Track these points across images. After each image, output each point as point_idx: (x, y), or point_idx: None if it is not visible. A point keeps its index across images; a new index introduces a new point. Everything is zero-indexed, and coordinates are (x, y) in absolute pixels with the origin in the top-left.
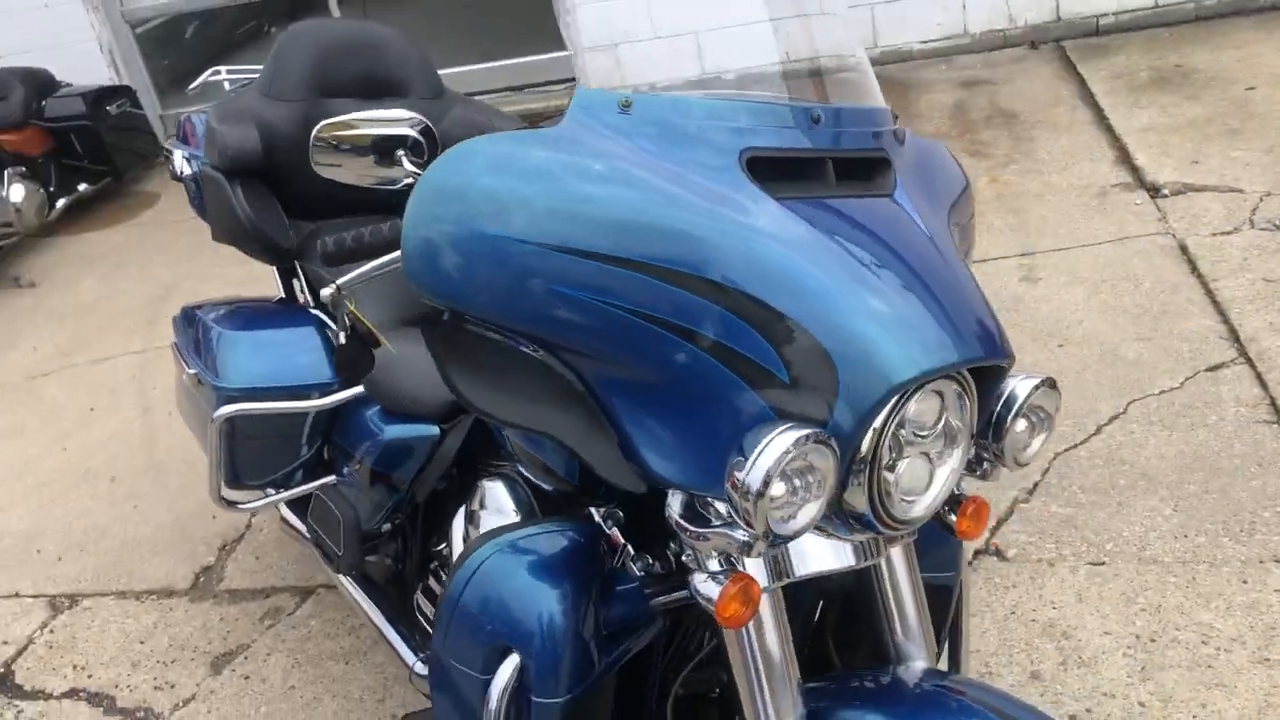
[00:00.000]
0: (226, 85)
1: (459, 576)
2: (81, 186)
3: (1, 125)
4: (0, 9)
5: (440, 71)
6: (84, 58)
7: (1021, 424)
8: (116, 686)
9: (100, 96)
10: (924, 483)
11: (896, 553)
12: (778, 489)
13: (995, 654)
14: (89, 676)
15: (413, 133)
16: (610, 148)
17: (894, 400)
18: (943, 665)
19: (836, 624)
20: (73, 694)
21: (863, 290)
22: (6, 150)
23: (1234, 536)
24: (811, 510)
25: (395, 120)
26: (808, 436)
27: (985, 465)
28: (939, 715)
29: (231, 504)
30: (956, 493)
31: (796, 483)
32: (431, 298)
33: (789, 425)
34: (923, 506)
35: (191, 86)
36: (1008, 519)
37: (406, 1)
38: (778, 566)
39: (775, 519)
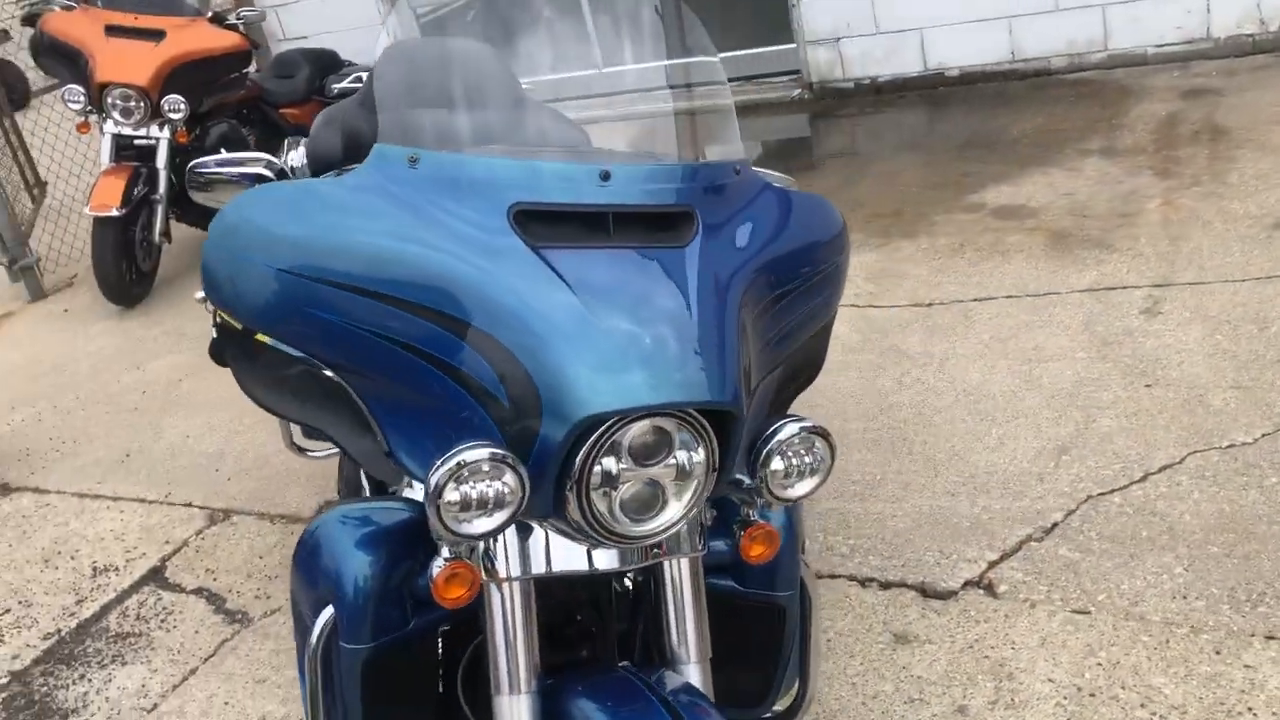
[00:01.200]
0: None
1: (300, 541)
2: None
3: (287, 100)
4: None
5: (667, 62)
6: (365, 39)
7: (778, 462)
8: (229, 591)
9: None
10: (654, 506)
11: (683, 564)
12: (451, 495)
13: (934, 683)
14: (214, 579)
15: (268, 172)
16: (395, 195)
17: (601, 430)
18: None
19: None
20: (198, 591)
21: (581, 332)
22: (289, 122)
23: (1235, 605)
24: (499, 518)
25: (253, 160)
26: (492, 455)
27: (758, 499)
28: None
29: (302, 450)
30: (750, 518)
31: (481, 492)
32: (222, 311)
33: (478, 445)
34: (656, 525)
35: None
36: (1012, 555)
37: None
38: (525, 562)
39: (455, 521)
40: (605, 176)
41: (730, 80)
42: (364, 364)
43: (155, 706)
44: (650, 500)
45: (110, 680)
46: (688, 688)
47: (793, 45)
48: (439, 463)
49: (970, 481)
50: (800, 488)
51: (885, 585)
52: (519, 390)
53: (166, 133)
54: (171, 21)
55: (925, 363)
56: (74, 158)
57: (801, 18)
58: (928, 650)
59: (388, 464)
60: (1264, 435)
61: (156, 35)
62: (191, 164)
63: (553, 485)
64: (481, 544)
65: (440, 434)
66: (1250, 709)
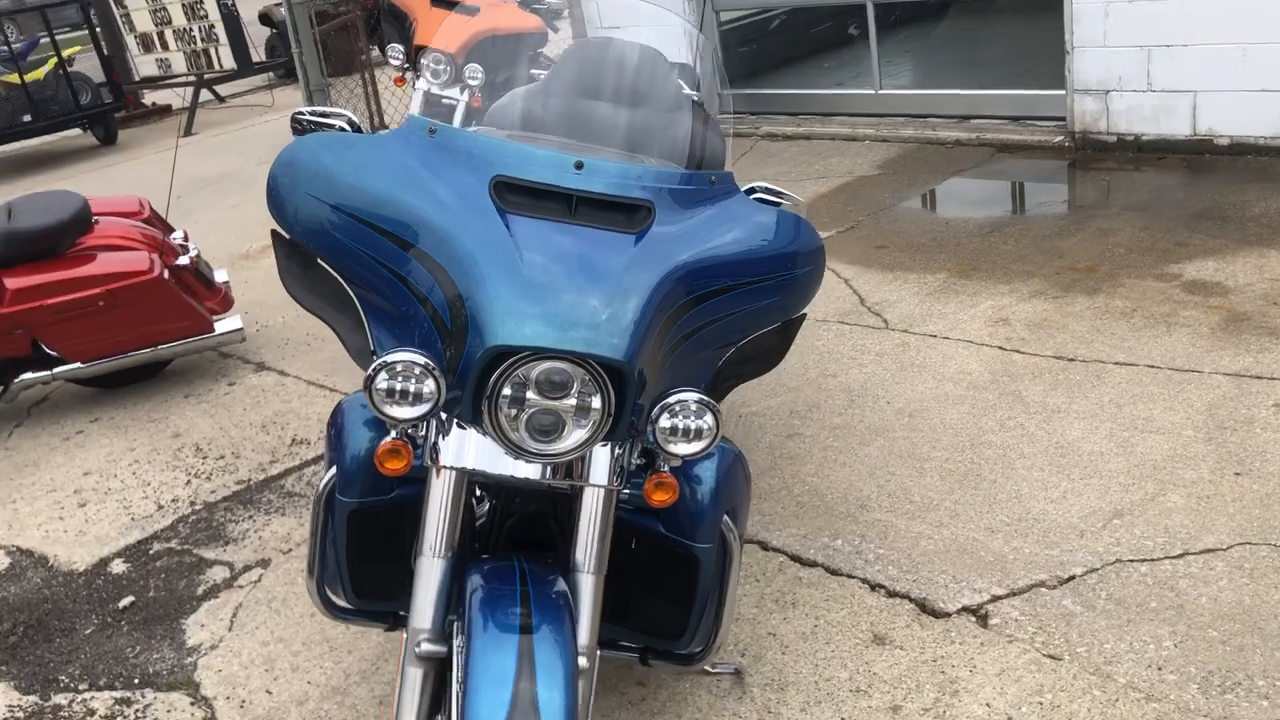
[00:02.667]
0: None
1: (330, 414)
2: None
3: None
4: None
5: (940, 91)
6: (669, 33)
7: (665, 420)
8: None
9: None
10: (554, 432)
11: (599, 494)
12: (381, 384)
13: (884, 681)
14: None
15: (344, 125)
16: (411, 153)
17: (511, 360)
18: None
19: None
20: None
21: (511, 282)
22: None
23: (1204, 687)
24: (418, 410)
25: (337, 115)
26: (419, 362)
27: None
28: (517, 604)
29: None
30: (659, 468)
31: (404, 387)
32: (278, 222)
33: (413, 351)
34: (556, 448)
35: None
36: (1017, 595)
37: (934, 30)
38: (459, 458)
39: (382, 403)
40: (579, 166)
41: (995, 118)
42: (362, 279)
43: (290, 550)
44: (551, 427)
45: (268, 525)
46: (560, 592)
47: (1062, 92)
48: (379, 359)
49: (1015, 524)
50: (683, 447)
51: (891, 594)
52: (458, 318)
53: (465, 96)
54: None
55: (1036, 411)
56: (399, 106)
57: (1074, 66)
58: (895, 654)
59: (371, 359)
60: None
61: (472, 10)
62: (295, 111)
63: (471, 397)
64: (431, 436)
65: (405, 341)
66: None
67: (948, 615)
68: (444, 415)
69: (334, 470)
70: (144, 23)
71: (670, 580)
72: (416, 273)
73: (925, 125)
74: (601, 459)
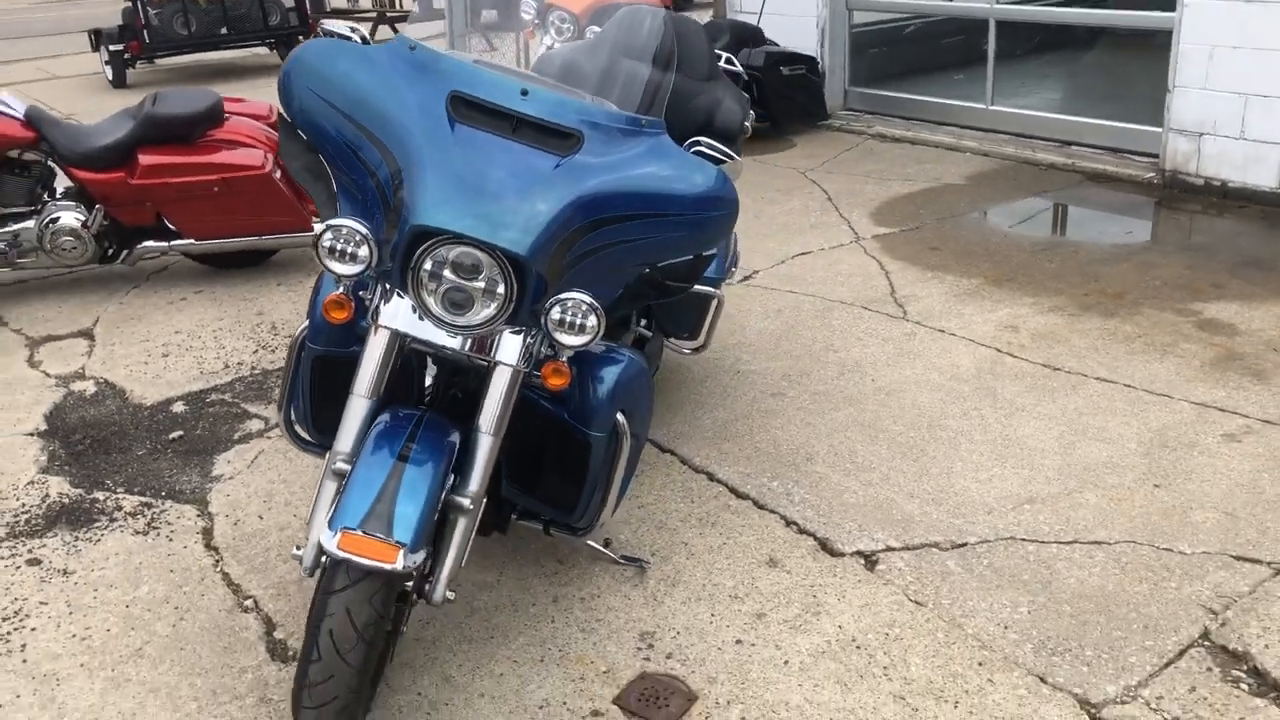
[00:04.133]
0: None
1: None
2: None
3: None
4: None
5: (1045, 114)
6: (802, 26)
7: (556, 312)
8: None
9: (781, 59)
10: (466, 308)
11: (505, 372)
12: (325, 241)
13: (761, 595)
14: None
15: (352, 35)
16: (391, 63)
17: (431, 241)
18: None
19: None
20: None
21: (444, 176)
22: None
23: (1037, 648)
24: (351, 269)
25: (351, 29)
26: (352, 230)
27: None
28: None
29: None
30: (555, 355)
31: (342, 248)
32: (283, 107)
33: (356, 220)
34: (464, 320)
35: None
36: (909, 550)
37: (1053, 54)
38: (392, 320)
39: (325, 257)
40: (524, 93)
41: (1093, 147)
42: (336, 160)
43: None
44: (464, 302)
45: None
46: (450, 442)
47: (1159, 130)
48: (326, 222)
49: (935, 494)
50: (568, 338)
51: (800, 530)
52: (398, 200)
53: None
54: None
55: (1002, 407)
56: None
57: (1173, 105)
58: (781, 576)
59: None
60: (1204, 553)
61: None
62: (322, 23)
63: (399, 268)
64: (375, 300)
65: (359, 215)
66: (956, 705)
67: (841, 555)
68: (387, 285)
69: (307, 322)
70: None
71: (568, 460)
72: (373, 159)
73: (1026, 145)
74: (512, 343)
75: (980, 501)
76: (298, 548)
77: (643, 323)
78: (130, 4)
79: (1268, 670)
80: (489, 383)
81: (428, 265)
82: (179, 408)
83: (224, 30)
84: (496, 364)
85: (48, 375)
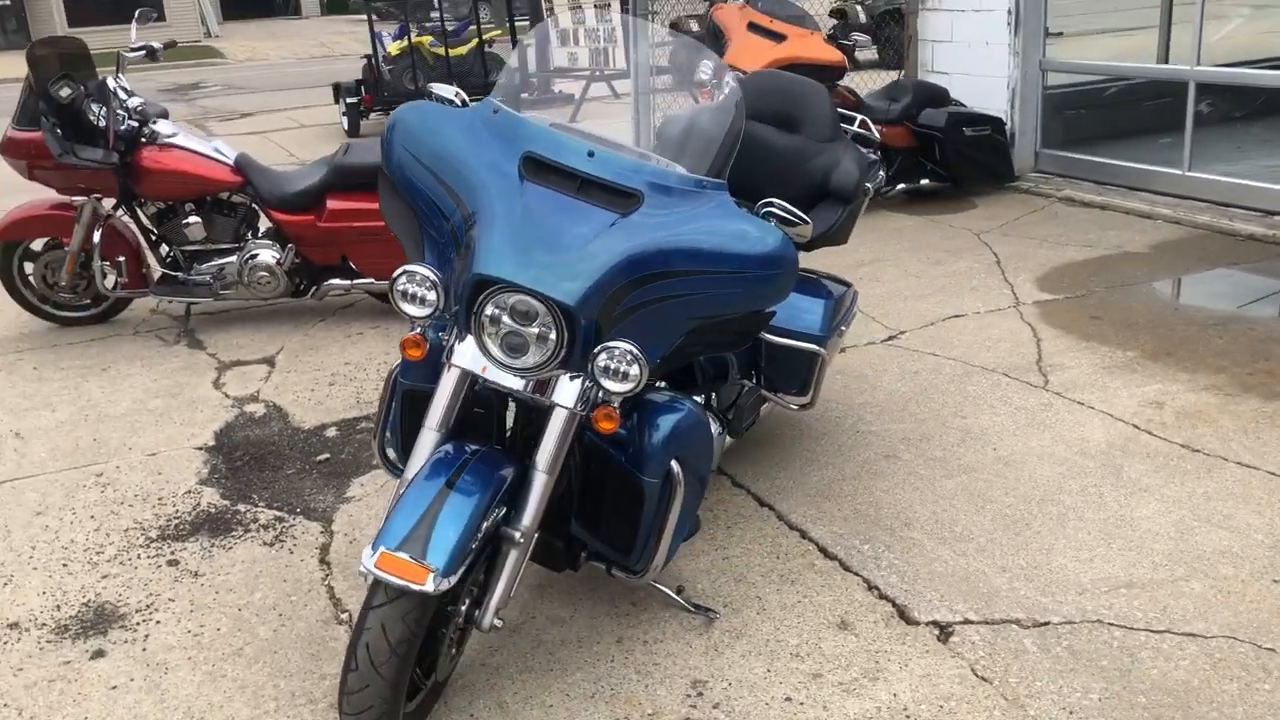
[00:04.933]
0: None
1: None
2: (924, 181)
3: (881, 119)
4: (959, 41)
5: (1248, 182)
6: (991, 88)
7: (603, 359)
8: None
9: (964, 120)
10: (522, 351)
11: (562, 414)
12: (400, 286)
13: (825, 655)
14: None
15: (453, 98)
16: (475, 124)
17: (491, 288)
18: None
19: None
20: None
21: (513, 230)
22: (881, 138)
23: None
24: (422, 311)
25: (451, 90)
26: (423, 275)
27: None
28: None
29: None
30: (608, 401)
31: (414, 292)
32: (383, 164)
33: (428, 267)
34: (519, 362)
35: None
36: (988, 624)
37: (1261, 120)
38: (462, 360)
39: (399, 300)
40: (590, 154)
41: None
42: (423, 212)
43: None
44: (520, 347)
45: None
46: (501, 476)
47: None
48: (402, 266)
49: (1029, 569)
50: (611, 384)
51: (880, 595)
52: (468, 250)
53: None
54: (795, 30)
55: (1124, 486)
56: None
57: None
58: (848, 639)
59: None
60: None
61: (779, 38)
62: (430, 86)
63: (464, 311)
64: (449, 341)
65: (438, 263)
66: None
67: (917, 624)
68: (459, 328)
69: (400, 361)
70: (564, 20)
71: (624, 504)
72: (451, 211)
73: (1224, 214)
74: (568, 387)
75: (1074, 581)
76: (363, 565)
77: (751, 377)
78: (367, 60)
79: None
80: (546, 423)
81: (489, 310)
82: (331, 432)
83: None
84: (554, 405)
85: (227, 396)
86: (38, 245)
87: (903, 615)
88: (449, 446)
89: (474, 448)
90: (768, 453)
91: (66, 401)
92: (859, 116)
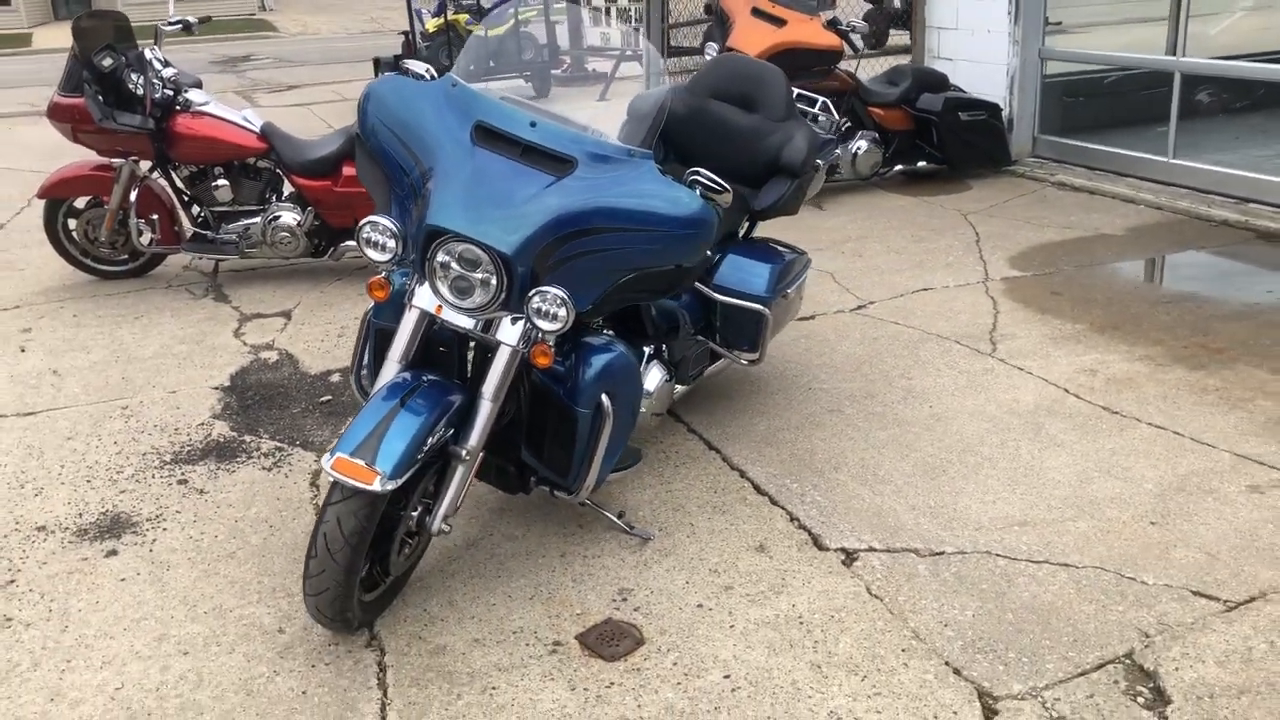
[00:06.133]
0: None
1: None
2: (921, 164)
3: (877, 101)
4: (963, 28)
5: (1227, 170)
6: (991, 74)
7: (536, 301)
8: None
9: (960, 105)
10: (467, 294)
11: (505, 350)
12: (363, 234)
13: (739, 571)
14: None
15: (422, 72)
16: (437, 97)
17: (441, 237)
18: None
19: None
20: None
21: (458, 187)
22: (875, 120)
23: (965, 646)
24: (382, 255)
25: (421, 65)
26: (384, 225)
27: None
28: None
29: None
30: (543, 339)
31: (376, 240)
32: (359, 129)
33: (390, 219)
34: (466, 302)
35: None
36: (889, 552)
37: (1250, 110)
38: (421, 300)
39: (364, 246)
40: (533, 124)
41: (1271, 205)
42: (391, 172)
43: None
44: (466, 289)
45: None
46: (450, 400)
47: None
48: (370, 218)
49: (936, 509)
50: (543, 323)
51: (799, 526)
52: (423, 204)
53: None
54: (795, 15)
55: (1041, 442)
56: None
57: None
58: (761, 559)
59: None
60: (1165, 585)
61: (780, 22)
62: (404, 62)
63: (419, 258)
64: (411, 285)
65: (402, 216)
66: (864, 679)
67: (826, 549)
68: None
69: (373, 305)
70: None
71: (562, 432)
72: (413, 171)
73: (1203, 200)
74: (512, 328)
75: (974, 519)
76: (323, 467)
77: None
78: (404, 36)
79: (1167, 689)
80: (493, 358)
81: (440, 257)
82: (335, 378)
83: (491, 64)
84: (499, 343)
85: (245, 344)
86: (80, 203)
87: (815, 542)
88: (407, 374)
89: (430, 377)
90: (724, 404)
91: (101, 345)
92: (820, 99)
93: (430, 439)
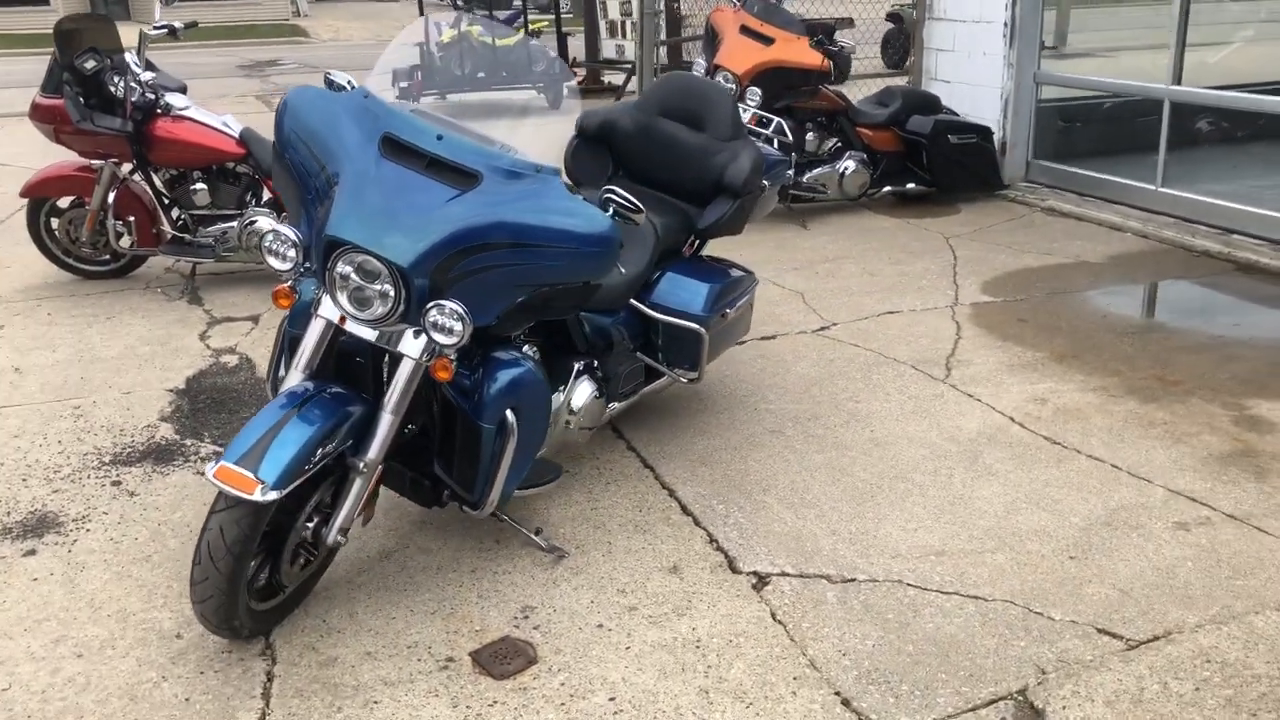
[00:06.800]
0: None
1: None
2: (910, 186)
3: (865, 122)
4: (960, 50)
5: (1211, 200)
6: (986, 98)
7: (433, 314)
8: None
9: (950, 128)
10: (366, 305)
11: (408, 363)
12: (266, 243)
13: (646, 591)
14: None
15: (343, 84)
16: (348, 108)
17: (339, 248)
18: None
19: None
20: None
21: (362, 200)
22: (863, 141)
23: (860, 676)
24: (285, 265)
25: (344, 80)
26: (285, 235)
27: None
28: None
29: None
30: (443, 353)
31: (276, 249)
32: (275, 137)
33: (289, 227)
34: (365, 314)
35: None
36: (800, 578)
37: (1243, 143)
38: (327, 310)
39: (270, 258)
40: (439, 138)
41: (1257, 238)
42: (302, 181)
43: None
44: (365, 300)
45: None
46: (348, 412)
47: None
48: (268, 227)
49: (856, 536)
50: (439, 336)
51: (716, 547)
52: (325, 215)
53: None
54: (782, 34)
55: (976, 471)
56: None
57: None
58: (670, 580)
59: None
60: (1071, 622)
61: (768, 41)
62: (327, 73)
63: (320, 268)
64: (316, 295)
65: (308, 224)
66: (748, 706)
67: (740, 572)
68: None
69: (288, 310)
70: (614, 12)
71: (467, 446)
72: (319, 181)
73: (1187, 230)
74: (414, 341)
75: (892, 547)
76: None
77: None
78: (419, 46)
79: None
80: (397, 372)
81: (339, 268)
82: None
83: (504, 74)
84: (401, 355)
85: (208, 347)
86: (63, 203)
87: (730, 565)
88: (309, 384)
89: (331, 388)
90: (666, 421)
91: (67, 344)
92: (776, 120)
93: (321, 449)
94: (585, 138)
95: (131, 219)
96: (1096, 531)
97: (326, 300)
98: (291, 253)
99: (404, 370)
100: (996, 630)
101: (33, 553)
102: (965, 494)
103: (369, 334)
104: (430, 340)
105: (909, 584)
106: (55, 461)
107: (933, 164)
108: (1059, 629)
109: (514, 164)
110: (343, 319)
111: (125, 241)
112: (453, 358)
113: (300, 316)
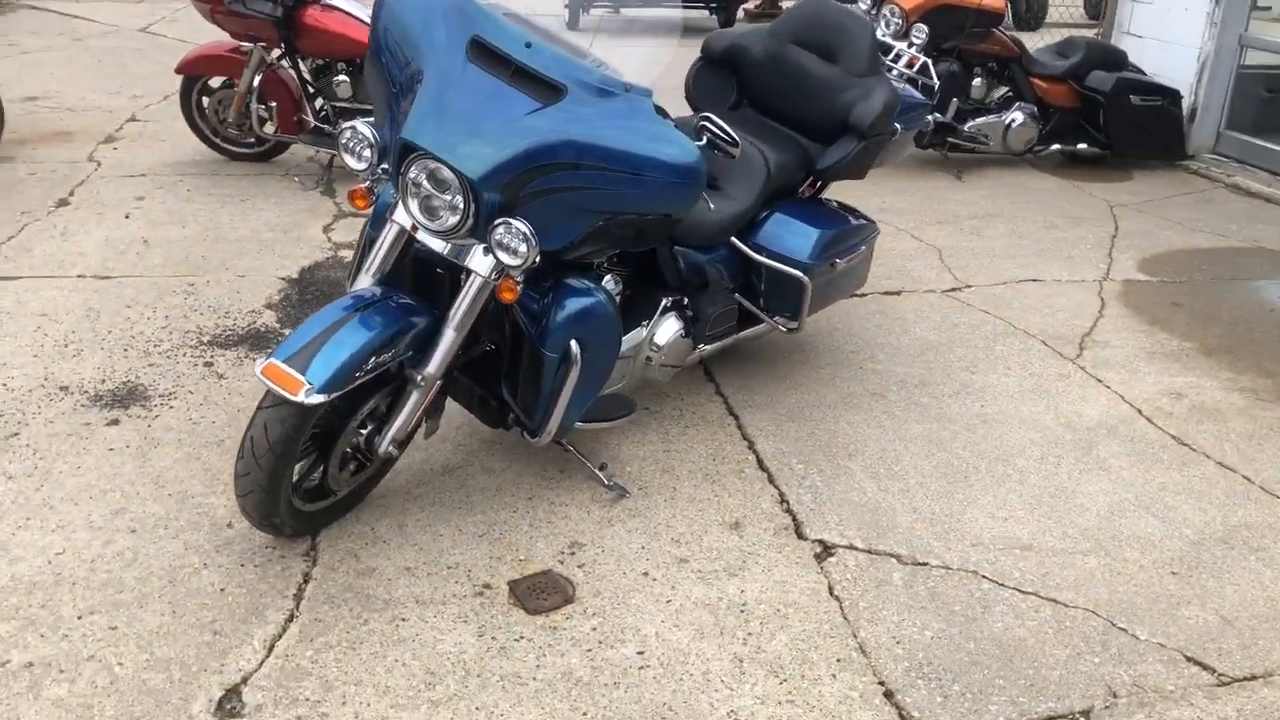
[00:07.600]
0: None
1: None
2: (1081, 146)
3: (1040, 72)
4: (1159, 3)
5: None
6: (1181, 57)
7: (499, 232)
8: None
9: (1133, 87)
10: (434, 217)
11: (477, 280)
12: (343, 139)
13: (702, 546)
14: None
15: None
16: (443, 8)
17: (411, 154)
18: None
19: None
20: None
21: (442, 104)
22: (1035, 93)
23: (910, 668)
24: (360, 165)
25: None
26: (362, 134)
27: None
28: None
29: None
30: (510, 275)
31: (354, 148)
32: (371, 34)
33: (370, 126)
34: (436, 226)
35: None
36: (869, 553)
37: None
38: (399, 215)
39: (345, 152)
40: (528, 45)
41: None
42: (390, 78)
43: None
44: (435, 210)
45: None
46: (413, 321)
47: None
48: (348, 125)
49: (939, 518)
50: (503, 256)
51: (786, 509)
52: (404, 115)
53: (909, 51)
54: None
55: (1087, 464)
56: None
57: None
58: (729, 537)
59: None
60: (1159, 644)
61: None
62: None
63: (394, 171)
64: (392, 197)
65: (393, 125)
66: (782, 683)
67: (805, 539)
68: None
69: (369, 212)
70: None
71: (532, 373)
72: (403, 78)
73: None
74: (483, 258)
75: (975, 535)
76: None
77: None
78: None
79: None
80: (462, 289)
81: (412, 174)
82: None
83: None
84: (470, 271)
85: (329, 240)
86: (215, 83)
87: (796, 529)
88: (376, 289)
89: (400, 296)
90: (762, 369)
91: (198, 221)
92: (923, 60)
93: (375, 357)
94: (710, 60)
95: (275, 104)
96: (1209, 548)
97: (400, 206)
98: (367, 153)
99: (471, 287)
100: (1071, 641)
101: (116, 423)
102: (1069, 487)
103: (439, 245)
104: (496, 259)
105: (985, 576)
106: (158, 335)
107: (1109, 125)
108: (1142, 650)
109: (602, 80)
110: (414, 227)
111: (269, 127)
112: (519, 279)
113: (380, 219)
